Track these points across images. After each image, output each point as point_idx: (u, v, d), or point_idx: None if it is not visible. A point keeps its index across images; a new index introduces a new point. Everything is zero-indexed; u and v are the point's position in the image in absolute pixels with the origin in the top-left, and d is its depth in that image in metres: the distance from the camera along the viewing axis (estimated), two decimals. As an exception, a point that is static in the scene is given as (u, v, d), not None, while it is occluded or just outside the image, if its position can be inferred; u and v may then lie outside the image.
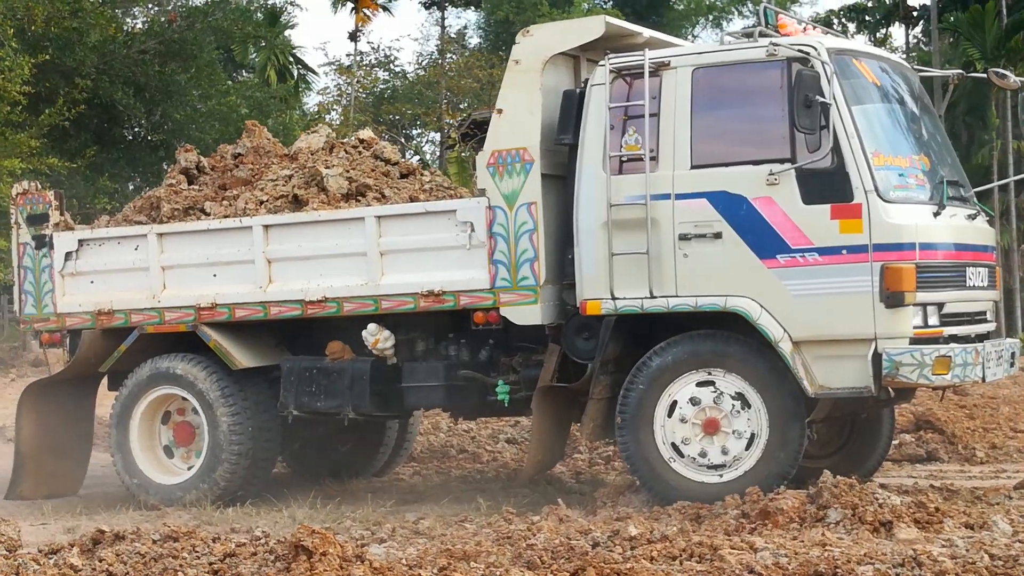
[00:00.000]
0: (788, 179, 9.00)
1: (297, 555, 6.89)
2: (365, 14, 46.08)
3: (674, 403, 9.27)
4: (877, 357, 8.81)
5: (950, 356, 8.84)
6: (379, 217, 10.27)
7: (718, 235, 9.16)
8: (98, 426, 12.48)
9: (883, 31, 48.39)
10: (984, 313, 9.70)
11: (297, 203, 10.83)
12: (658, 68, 9.39)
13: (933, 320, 9.05)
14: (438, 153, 37.93)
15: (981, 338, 9.60)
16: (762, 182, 9.05)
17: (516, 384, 10.13)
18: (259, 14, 38.81)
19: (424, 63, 46.25)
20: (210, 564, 7.21)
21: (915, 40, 44.45)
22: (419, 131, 46.26)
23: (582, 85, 9.87)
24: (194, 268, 10.91)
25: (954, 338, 9.16)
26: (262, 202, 10.93)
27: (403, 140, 44.39)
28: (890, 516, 8.07)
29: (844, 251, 8.90)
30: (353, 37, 46.15)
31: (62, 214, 11.64)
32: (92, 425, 12.05)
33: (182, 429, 11.09)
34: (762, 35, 9.31)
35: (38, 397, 11.67)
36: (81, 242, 11.36)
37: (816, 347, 9.00)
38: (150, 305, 11.01)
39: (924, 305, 8.98)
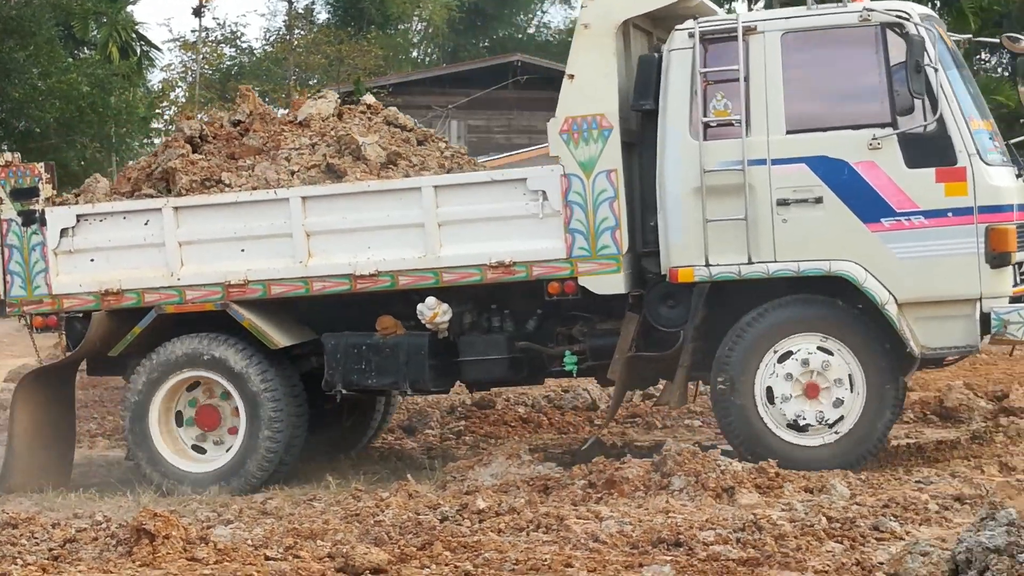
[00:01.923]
0: (890, 144, 9.07)
1: (139, 539, 6.80)
2: (210, -11, 45.31)
3: (774, 368, 9.24)
4: (985, 316, 8.98)
5: None
6: (437, 187, 9.85)
7: (819, 200, 9.17)
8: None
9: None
10: None
11: (331, 173, 10.31)
12: (746, 32, 9.29)
13: (1020, 278, 9.35)
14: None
15: None
16: (863, 147, 9.10)
17: (583, 354, 9.94)
18: (100, -11, 37.93)
19: (271, 39, 45.64)
20: (50, 550, 7.09)
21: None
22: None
23: (656, 51, 9.78)
24: (219, 243, 10.22)
25: None
26: (293, 172, 10.38)
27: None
28: (732, 482, 8.25)
29: (950, 214, 9.02)
30: (197, 13, 45.30)
31: (54, 187, 10.85)
32: (74, 414, 11.28)
33: (206, 414, 10.38)
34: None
35: (34, 387, 10.83)
36: (80, 217, 10.49)
37: (920, 308, 9.11)
38: (167, 283, 10.24)
39: (1019, 264, 9.27)
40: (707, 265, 9.31)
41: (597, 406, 13.05)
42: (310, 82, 40.32)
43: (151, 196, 10.51)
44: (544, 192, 9.59)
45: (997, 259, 9.01)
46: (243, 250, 10.14)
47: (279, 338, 10.11)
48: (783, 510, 7.65)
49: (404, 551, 6.82)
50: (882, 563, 6.35)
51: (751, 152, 9.23)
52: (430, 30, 46.59)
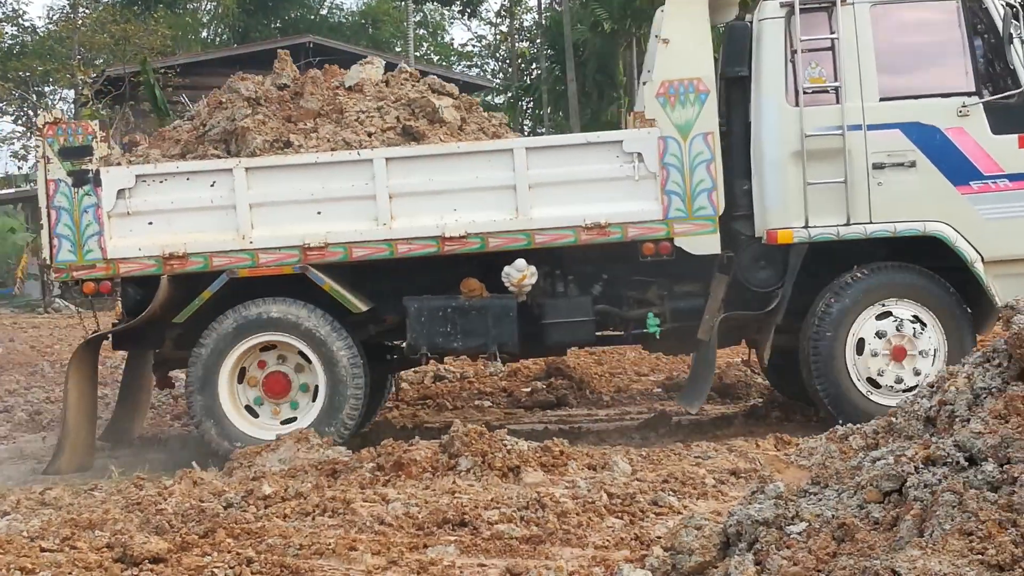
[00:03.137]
0: (977, 111, 9.68)
1: (-94, 534, 6.54)
2: (-11, -34, 43.73)
3: (872, 323, 9.73)
4: None
5: None
6: (529, 148, 9.91)
7: (912, 164, 9.71)
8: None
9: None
10: None
11: (407, 135, 10.27)
12: (838, 3, 9.76)
13: None
14: (72, 111, 36.46)
15: None
16: (952, 114, 9.69)
17: (663, 316, 10.17)
18: None
19: (55, 18, 44.28)
20: None
21: (549, 1, 45.61)
22: (51, 88, 44.32)
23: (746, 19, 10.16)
24: (293, 205, 9.96)
25: None
26: (371, 134, 10.24)
27: (34, 97, 42.41)
28: (518, 461, 8.33)
29: None
30: (-25, -11, 43.70)
31: (109, 146, 10.35)
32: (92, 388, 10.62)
33: (274, 380, 10.10)
34: None
35: (87, 358, 10.35)
36: (139, 178, 10.04)
37: (1003, 266, 9.72)
38: (238, 247, 9.94)
39: None
40: (806, 227, 9.77)
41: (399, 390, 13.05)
42: (95, 61, 39.24)
43: (218, 157, 10.21)
44: (640, 154, 9.81)
45: None
46: (319, 212, 9.94)
47: (358, 302, 9.99)
48: (566, 488, 7.78)
49: (185, 539, 6.71)
50: (659, 537, 6.51)
51: (848, 118, 9.70)
52: (220, 10, 45.75)
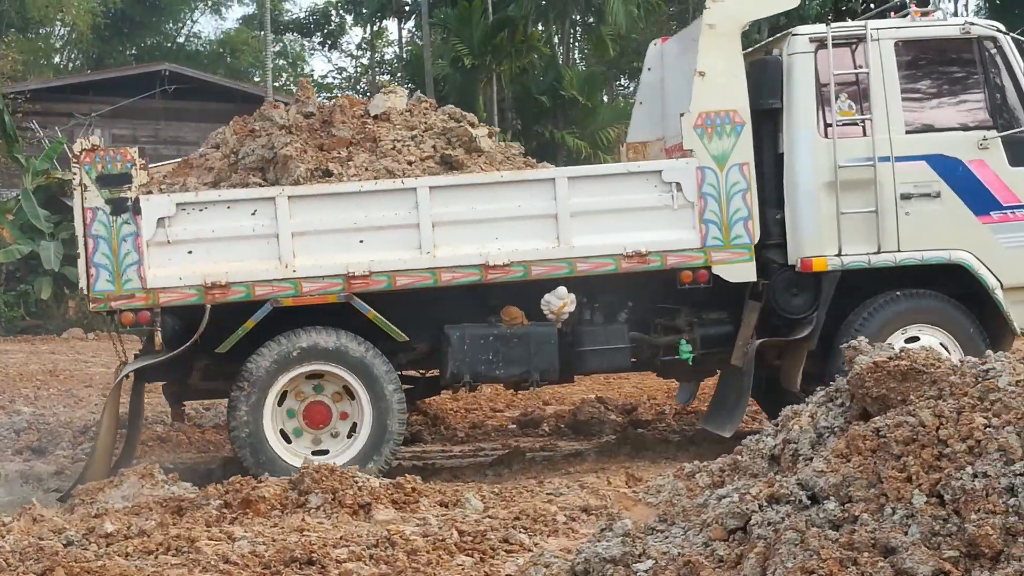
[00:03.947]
0: (996, 144, 10.16)
1: None
2: None
3: (901, 343, 9.72)
4: None
5: None
6: (571, 178, 10.06)
7: (938, 194, 10.13)
8: None
9: (377, 24, 49.43)
10: None
11: (445, 164, 10.32)
12: (864, 40, 10.16)
13: None
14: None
15: None
16: (974, 146, 10.14)
17: (694, 342, 10.36)
18: None
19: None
20: None
21: (409, 34, 45.75)
22: None
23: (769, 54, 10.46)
24: (336, 234, 9.87)
25: None
26: (411, 163, 10.23)
27: None
28: (369, 498, 8.26)
29: None
30: None
31: (149, 175, 10.11)
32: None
33: (315, 410, 10.01)
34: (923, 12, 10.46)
35: (131, 385, 10.30)
36: (179, 206, 9.82)
37: (1019, 293, 10.19)
38: (281, 276, 9.81)
39: None
40: (839, 254, 10.08)
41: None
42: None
43: (259, 185, 10.11)
44: (678, 184, 10.01)
45: None
46: (362, 241, 9.91)
47: (399, 331, 9.98)
48: (417, 525, 7.72)
49: (23, 579, 6.51)
50: (510, 575, 6.50)
51: (877, 150, 10.08)
52: (74, 36, 44.90)
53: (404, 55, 42.86)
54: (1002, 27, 10.48)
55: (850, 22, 10.68)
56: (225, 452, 11.77)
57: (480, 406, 14.12)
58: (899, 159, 10.13)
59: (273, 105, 10.92)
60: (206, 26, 66.89)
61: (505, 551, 7.15)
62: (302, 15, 54.80)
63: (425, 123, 10.73)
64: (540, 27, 33.96)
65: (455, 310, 10.28)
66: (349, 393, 10.01)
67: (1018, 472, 4.75)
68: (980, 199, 10.20)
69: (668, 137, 11.16)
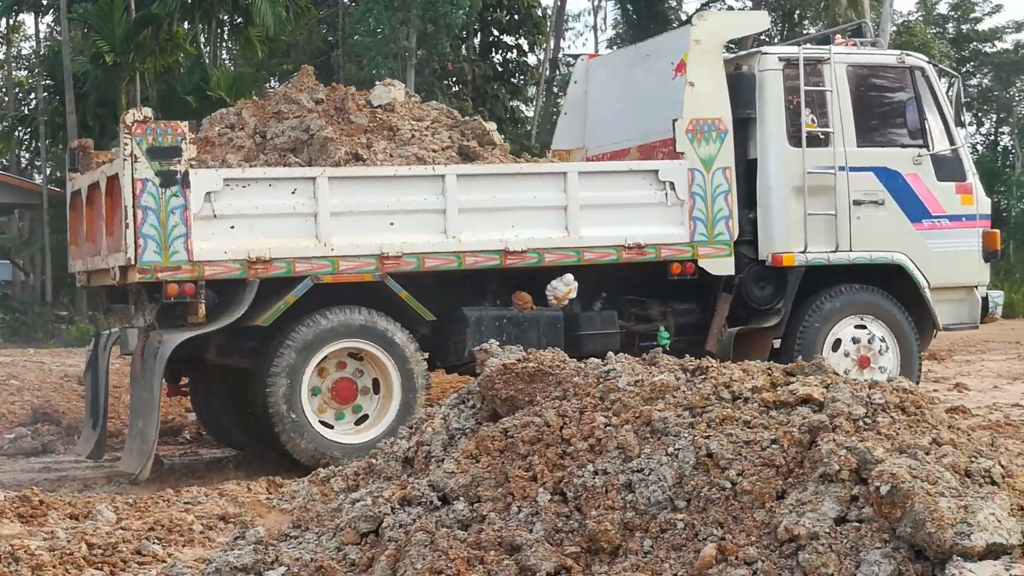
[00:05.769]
0: (927, 161, 11.65)
1: None
2: None
3: (848, 331, 11.42)
4: (984, 300, 11.93)
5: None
6: (581, 172, 10.88)
7: (882, 202, 11.58)
8: None
9: (14, 18, 47.14)
10: None
11: (462, 155, 10.88)
12: (824, 61, 11.46)
13: None
14: None
15: None
16: (910, 161, 11.63)
17: (671, 330, 11.25)
18: None
19: None
20: None
21: (48, 29, 43.96)
22: None
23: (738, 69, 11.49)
24: (369, 215, 10.27)
25: None
26: (434, 151, 10.74)
27: None
28: (-9, 513, 7.87)
29: (963, 218, 11.86)
30: None
31: (198, 148, 10.16)
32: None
33: (343, 387, 10.33)
34: (858, 41, 12.32)
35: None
36: (226, 181, 9.91)
37: (941, 292, 11.73)
38: (321, 253, 10.09)
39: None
40: (804, 251, 11.32)
41: None
42: None
43: (299, 165, 10.38)
44: (672, 183, 10.98)
45: (989, 255, 12.02)
46: (392, 223, 10.32)
47: (427, 311, 10.40)
48: (44, 539, 7.39)
49: None
50: (139, 588, 6.32)
51: (837, 160, 11.37)
52: None
53: (42, 50, 41.06)
54: (927, 59, 12.11)
55: (811, 46, 11.92)
56: None
57: (118, 414, 13.69)
58: (852, 169, 11.49)
59: (298, 88, 11.17)
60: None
61: (137, 563, 6.92)
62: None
63: (429, 115, 11.31)
64: (187, 25, 33.25)
65: (460, 293, 10.83)
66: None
67: (635, 469, 4.97)
68: (915, 208, 11.70)
69: (589, 147, 12.42)
